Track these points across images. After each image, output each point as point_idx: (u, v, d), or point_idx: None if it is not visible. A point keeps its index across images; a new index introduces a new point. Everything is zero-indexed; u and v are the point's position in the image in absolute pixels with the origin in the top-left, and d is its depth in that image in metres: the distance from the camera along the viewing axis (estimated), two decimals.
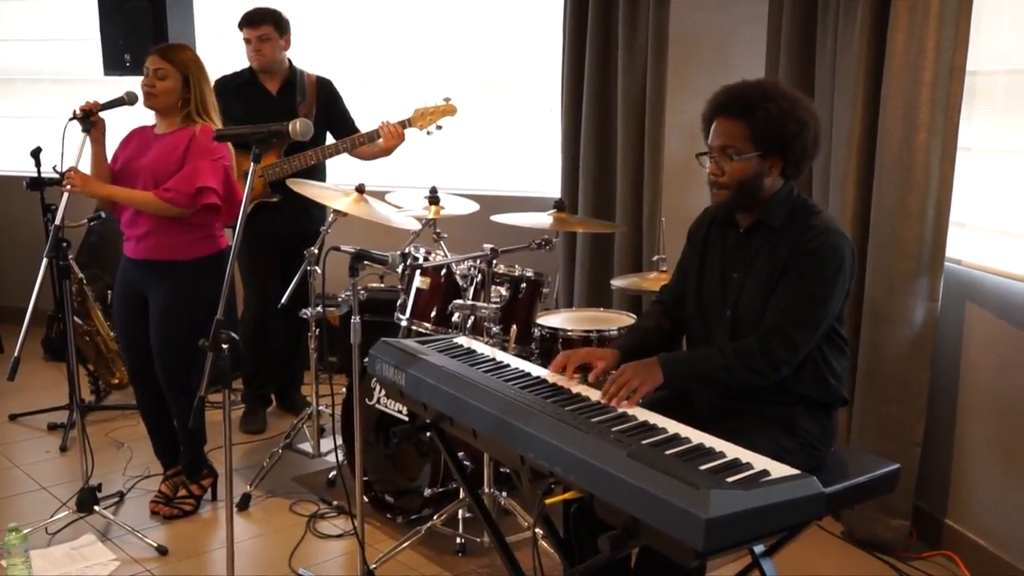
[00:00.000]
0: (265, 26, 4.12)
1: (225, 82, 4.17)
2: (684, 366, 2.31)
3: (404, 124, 4.08)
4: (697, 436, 1.95)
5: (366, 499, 3.37)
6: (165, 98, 3.28)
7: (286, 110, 4.07)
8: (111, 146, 3.40)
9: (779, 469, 1.78)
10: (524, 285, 3.51)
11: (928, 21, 2.98)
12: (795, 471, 1.77)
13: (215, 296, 2.65)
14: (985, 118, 3.14)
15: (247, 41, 4.14)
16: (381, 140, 4.05)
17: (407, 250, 3.58)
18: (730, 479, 1.71)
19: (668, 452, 1.85)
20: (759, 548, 2.16)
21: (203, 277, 3.32)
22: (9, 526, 3.01)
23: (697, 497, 1.60)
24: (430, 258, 3.56)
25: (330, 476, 3.80)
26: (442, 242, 3.83)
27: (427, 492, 3.30)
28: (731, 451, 1.87)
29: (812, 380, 2.36)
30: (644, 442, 1.90)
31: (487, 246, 3.26)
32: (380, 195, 3.84)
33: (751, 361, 2.26)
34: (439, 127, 4.09)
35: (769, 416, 2.32)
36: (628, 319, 3.60)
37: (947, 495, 3.26)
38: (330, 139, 4.23)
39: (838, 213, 3.31)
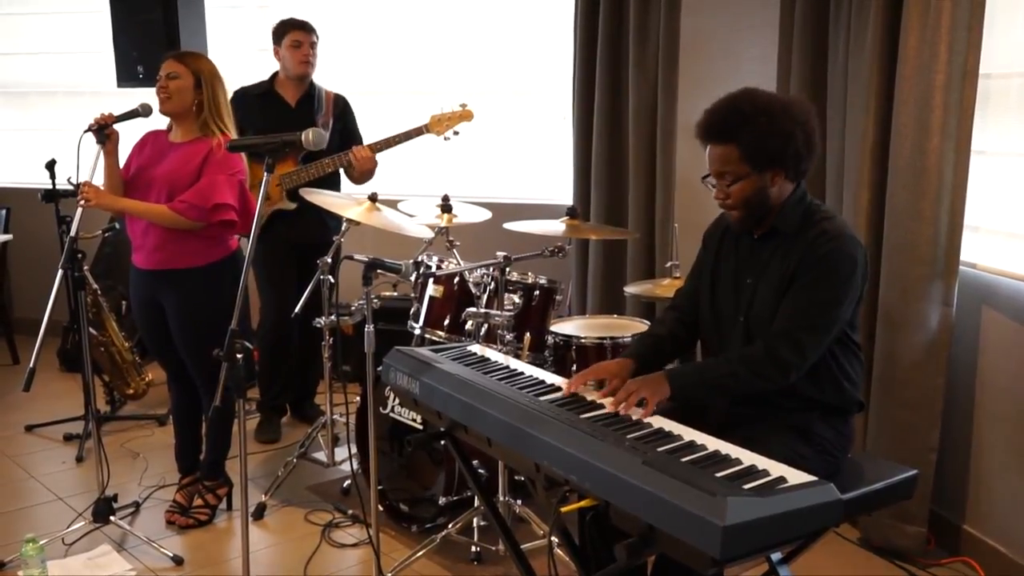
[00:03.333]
0: (315, 33, 4.17)
1: (245, 92, 4.20)
2: (691, 378, 2.30)
3: (421, 131, 4.10)
4: (713, 443, 1.94)
5: (381, 508, 3.37)
6: (178, 99, 3.28)
7: (304, 121, 4.09)
8: (124, 152, 3.41)
9: (796, 476, 1.77)
10: (537, 292, 3.50)
11: (940, 24, 2.97)
12: (812, 478, 1.76)
13: (232, 297, 2.66)
14: (999, 121, 3.13)
15: (296, 45, 4.14)
16: (355, 165, 4.07)
17: (420, 258, 3.58)
18: (747, 486, 1.70)
19: (684, 459, 1.84)
20: (776, 555, 2.15)
21: (218, 280, 3.34)
22: (26, 536, 3.02)
23: (714, 504, 1.59)
24: (443, 266, 3.56)
25: (345, 485, 3.80)
26: (455, 250, 3.83)
27: (442, 500, 3.29)
28: (747, 458, 1.86)
29: (828, 386, 2.35)
30: (660, 449, 1.89)
31: (500, 254, 3.26)
32: (393, 204, 3.85)
33: (758, 367, 2.25)
34: (456, 132, 4.10)
35: (785, 422, 2.32)
36: (642, 325, 3.59)
37: (965, 501, 3.24)
38: None
39: (851, 217, 3.30)
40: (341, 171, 4.27)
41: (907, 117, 3.08)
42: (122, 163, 3.40)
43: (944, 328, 3.11)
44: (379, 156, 4.15)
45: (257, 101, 4.17)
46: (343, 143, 4.22)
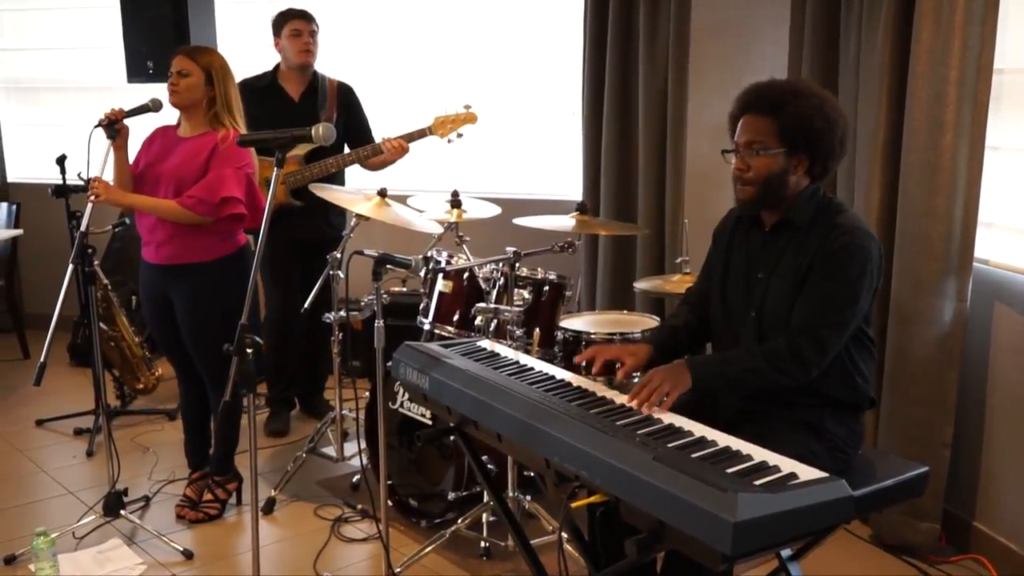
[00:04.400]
0: (315, 22, 4.16)
1: (248, 85, 4.17)
2: (713, 369, 2.30)
3: (424, 132, 4.09)
4: (723, 439, 1.94)
5: (390, 503, 3.37)
6: (188, 95, 3.29)
7: (308, 115, 4.08)
8: (134, 147, 3.41)
9: (807, 472, 1.76)
10: (547, 288, 3.50)
11: (954, 18, 2.94)
12: (823, 474, 1.75)
13: (240, 292, 2.66)
14: (1014, 117, 3.11)
15: (296, 34, 4.12)
16: (385, 155, 4.05)
17: (429, 254, 3.58)
18: (758, 482, 1.70)
19: (694, 455, 1.84)
20: (786, 552, 2.14)
21: (226, 275, 3.34)
22: (37, 530, 3.03)
23: (725, 500, 1.59)
24: (452, 262, 3.56)
25: (354, 480, 3.81)
26: (464, 246, 3.82)
27: (451, 496, 3.29)
28: (758, 454, 1.85)
29: (840, 381, 2.34)
30: (670, 445, 1.88)
31: (509, 249, 3.25)
32: (402, 199, 3.84)
33: (780, 363, 2.24)
34: (460, 135, 4.09)
35: (796, 419, 2.31)
36: (651, 321, 3.58)
37: (976, 498, 3.22)
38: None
39: (863, 213, 3.28)
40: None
41: (920, 113, 3.06)
42: (132, 158, 3.41)
43: (958, 324, 3.09)
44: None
45: (260, 94, 4.15)
46: (348, 136, 4.21)
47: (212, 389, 3.47)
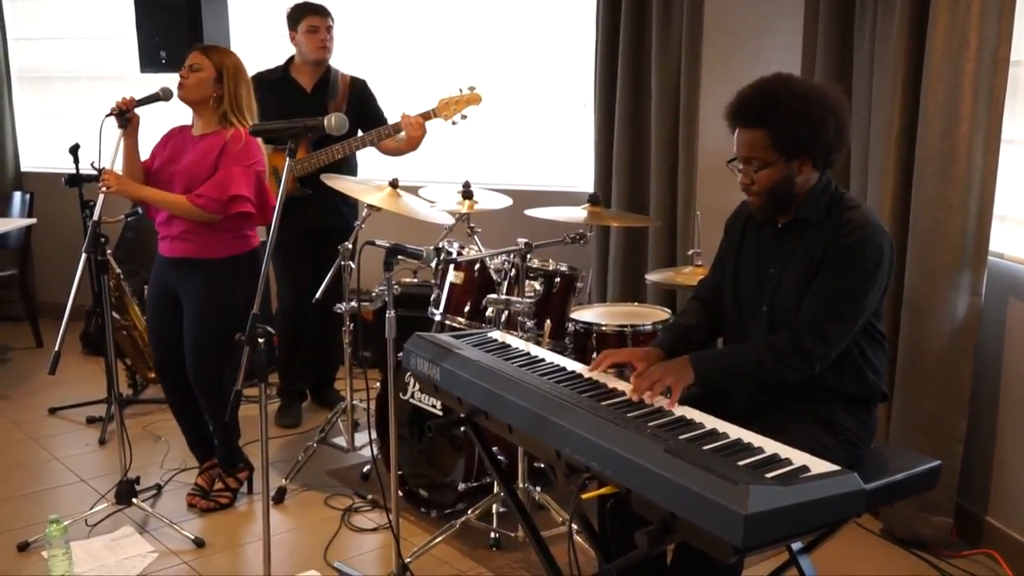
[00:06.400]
0: (331, 17, 4.16)
1: (261, 77, 4.18)
2: (715, 363, 2.29)
3: (429, 115, 4.07)
4: (735, 431, 1.93)
5: (400, 493, 3.37)
6: (196, 90, 3.30)
7: (319, 106, 4.09)
8: (148, 142, 3.42)
9: (819, 465, 1.75)
10: (558, 280, 3.49)
11: (970, 11, 2.92)
12: (835, 467, 1.74)
13: (247, 295, 2.67)
14: None
15: (312, 30, 4.12)
16: (404, 132, 4.04)
17: (441, 245, 3.58)
18: (769, 475, 1.69)
19: (706, 447, 1.83)
20: (797, 545, 2.14)
21: (235, 276, 3.35)
22: (50, 518, 3.04)
23: (736, 493, 1.58)
24: (464, 253, 3.55)
25: (364, 470, 3.81)
26: (476, 237, 3.82)
27: (461, 486, 3.30)
28: (770, 447, 1.85)
29: (851, 375, 2.33)
30: (681, 437, 1.88)
31: (521, 240, 3.25)
32: (413, 190, 3.84)
33: (784, 356, 2.23)
34: (464, 116, 4.07)
35: (808, 412, 2.30)
36: (663, 313, 3.58)
37: (989, 492, 3.21)
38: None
39: (877, 206, 3.26)
40: (359, 157, 4.26)
41: (935, 105, 3.04)
42: (146, 154, 3.43)
43: (972, 318, 3.07)
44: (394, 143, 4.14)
45: (273, 86, 4.15)
46: (363, 128, 4.20)
47: (197, 386, 3.43)
